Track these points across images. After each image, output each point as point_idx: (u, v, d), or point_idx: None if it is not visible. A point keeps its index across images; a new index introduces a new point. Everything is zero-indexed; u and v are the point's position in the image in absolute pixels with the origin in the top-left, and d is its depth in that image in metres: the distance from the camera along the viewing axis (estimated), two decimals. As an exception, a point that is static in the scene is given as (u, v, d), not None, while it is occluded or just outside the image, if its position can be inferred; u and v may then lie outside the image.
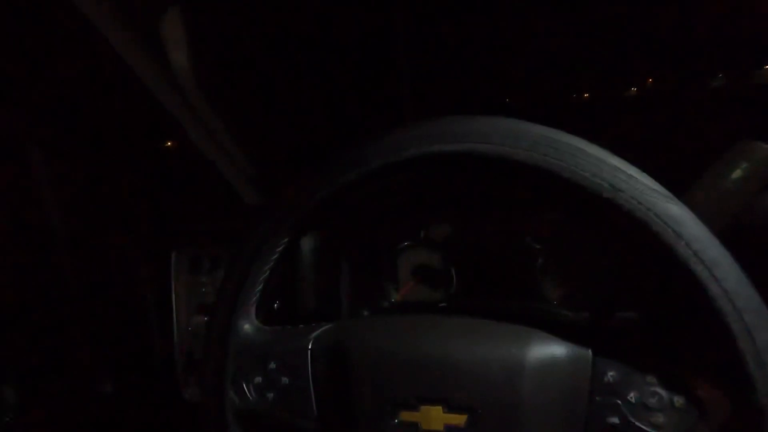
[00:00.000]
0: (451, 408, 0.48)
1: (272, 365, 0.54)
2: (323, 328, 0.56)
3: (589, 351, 0.47)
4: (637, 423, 0.45)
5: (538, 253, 0.72)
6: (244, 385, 0.55)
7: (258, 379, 0.55)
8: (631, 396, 0.45)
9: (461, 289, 0.76)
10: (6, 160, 0.92)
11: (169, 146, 1.06)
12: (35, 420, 0.95)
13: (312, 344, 0.55)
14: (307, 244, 0.78)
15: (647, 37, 0.95)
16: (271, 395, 0.54)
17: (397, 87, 1.01)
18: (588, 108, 1.02)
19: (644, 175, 0.44)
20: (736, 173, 0.51)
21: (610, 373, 0.46)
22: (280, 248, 0.55)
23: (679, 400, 0.44)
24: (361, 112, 1.03)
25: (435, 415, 0.49)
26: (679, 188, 0.44)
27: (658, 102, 0.96)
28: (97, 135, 0.95)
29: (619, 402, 0.45)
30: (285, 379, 0.54)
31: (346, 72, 1.01)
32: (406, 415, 0.49)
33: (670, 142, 0.86)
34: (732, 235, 0.43)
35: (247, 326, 0.56)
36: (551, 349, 0.48)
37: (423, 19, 1.00)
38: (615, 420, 0.45)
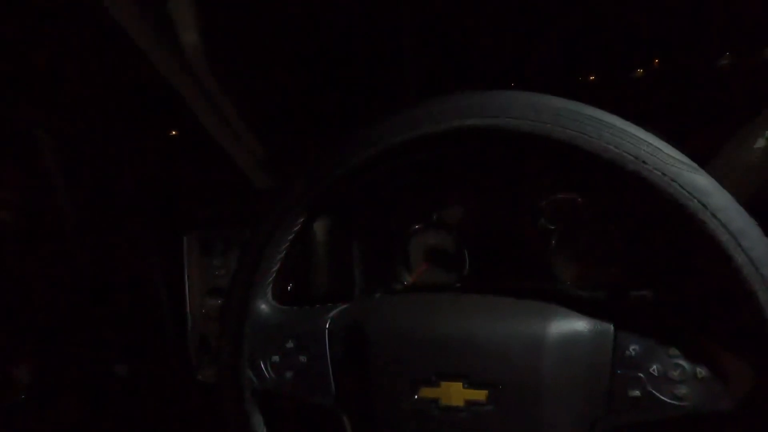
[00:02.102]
0: (471, 384, 0.48)
1: (290, 344, 0.55)
2: (340, 308, 0.56)
3: (611, 325, 0.47)
4: (659, 395, 0.45)
5: (552, 234, 0.72)
6: (262, 365, 0.55)
7: (275, 358, 0.55)
8: (654, 369, 0.45)
9: (474, 271, 0.76)
10: (16, 148, 0.91)
11: (175, 134, 1.06)
12: (49, 400, 0.95)
13: (329, 324, 0.55)
14: (319, 226, 0.78)
15: (652, 17, 0.95)
16: (289, 374, 0.54)
17: (403, 71, 1.00)
18: (594, 90, 1.02)
19: (668, 146, 0.43)
20: (759, 142, 0.51)
21: (632, 347, 0.46)
22: (297, 228, 0.55)
23: (702, 372, 0.44)
24: (370, 94, 1.02)
25: (455, 390, 0.49)
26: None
27: (664, 82, 0.95)
28: (107, 120, 0.95)
29: (641, 375, 0.45)
30: (303, 358, 0.54)
31: (354, 55, 1.01)
32: (426, 392, 0.49)
33: (676, 124, 0.85)
34: (757, 204, 0.42)
35: (263, 306, 0.56)
36: (572, 324, 0.48)
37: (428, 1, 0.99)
38: (637, 393, 0.45)
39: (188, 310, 0.92)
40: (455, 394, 0.49)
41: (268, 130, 0.90)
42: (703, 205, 0.41)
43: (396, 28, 1.00)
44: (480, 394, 0.48)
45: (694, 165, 0.43)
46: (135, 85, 0.87)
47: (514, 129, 0.46)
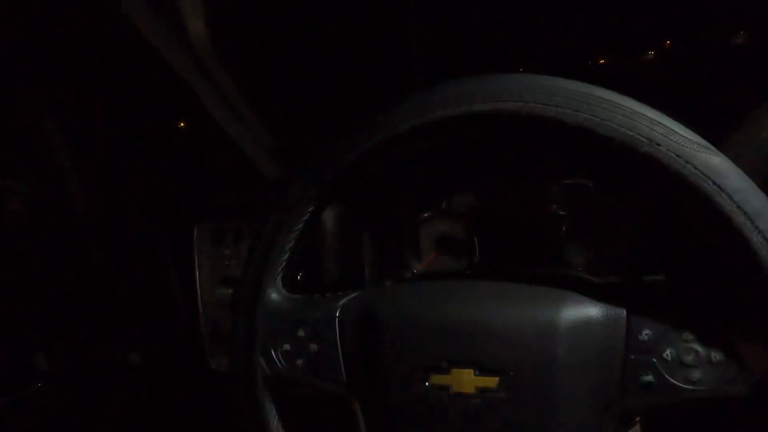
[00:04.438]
0: (482, 370, 0.48)
1: (301, 333, 0.55)
2: (351, 296, 0.56)
3: (624, 310, 0.47)
4: (672, 380, 0.44)
5: (563, 220, 0.71)
6: (273, 353, 0.55)
7: (287, 347, 0.55)
8: (667, 353, 0.44)
9: (485, 258, 0.75)
10: (27, 139, 0.92)
11: (183, 126, 1.07)
12: (65, 388, 0.97)
13: (340, 312, 0.55)
14: (329, 215, 0.78)
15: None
16: (300, 362, 0.55)
17: (411, 57, 1.00)
18: (605, 72, 1.00)
19: (682, 127, 0.43)
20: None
21: (645, 332, 0.45)
22: (306, 217, 0.55)
23: (716, 356, 0.43)
24: (378, 83, 1.01)
25: (466, 377, 0.49)
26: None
27: (677, 64, 0.93)
28: (117, 111, 0.95)
29: (655, 360, 0.45)
30: (314, 346, 0.54)
31: (362, 43, 1.00)
32: (436, 379, 0.49)
33: (690, 105, 0.84)
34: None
35: (274, 295, 0.56)
36: (585, 310, 0.48)
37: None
38: (650, 378, 0.45)
39: (199, 299, 0.93)
40: (466, 381, 0.48)
41: (277, 119, 0.89)
42: (719, 186, 0.41)
43: (403, 15, 0.99)
44: (491, 381, 0.48)
45: (709, 145, 0.42)
46: (143, 76, 0.87)
47: (525, 113, 0.45)
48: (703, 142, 0.42)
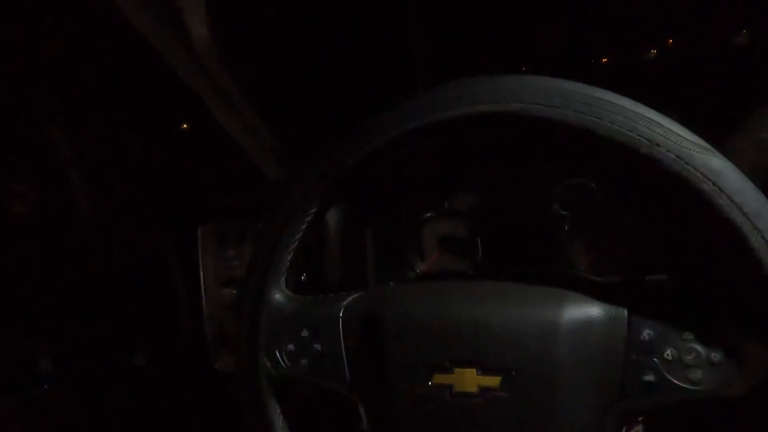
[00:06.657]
0: (484, 370, 0.48)
1: (304, 333, 0.55)
2: (354, 296, 0.57)
3: (625, 310, 0.47)
4: (673, 380, 0.44)
5: (565, 220, 0.72)
6: (277, 353, 0.56)
7: (291, 347, 0.55)
8: (668, 353, 0.45)
9: (487, 258, 0.76)
10: (31, 142, 0.92)
11: (186, 128, 1.07)
12: (70, 390, 0.98)
13: (343, 312, 0.55)
14: (333, 216, 0.78)
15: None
16: (304, 362, 0.55)
17: (413, 59, 1.00)
18: (607, 72, 1.00)
19: (682, 128, 0.43)
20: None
21: (646, 331, 0.45)
22: (310, 218, 0.55)
23: (716, 356, 0.43)
24: (381, 83, 1.02)
25: (469, 377, 0.49)
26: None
27: (679, 63, 0.93)
28: (120, 114, 0.96)
29: (656, 360, 0.45)
30: (317, 346, 0.55)
31: (364, 44, 1.00)
32: (439, 378, 0.50)
33: (691, 106, 0.84)
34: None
35: (278, 295, 0.56)
36: (586, 309, 0.48)
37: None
38: (651, 378, 0.45)
39: (204, 300, 0.93)
40: (469, 380, 0.49)
41: (280, 121, 0.90)
42: (718, 187, 0.41)
43: (404, 15, 0.99)
44: (493, 381, 0.48)
45: (709, 147, 0.42)
46: (147, 79, 0.87)
47: (526, 114, 0.46)
48: (703, 143, 0.42)
